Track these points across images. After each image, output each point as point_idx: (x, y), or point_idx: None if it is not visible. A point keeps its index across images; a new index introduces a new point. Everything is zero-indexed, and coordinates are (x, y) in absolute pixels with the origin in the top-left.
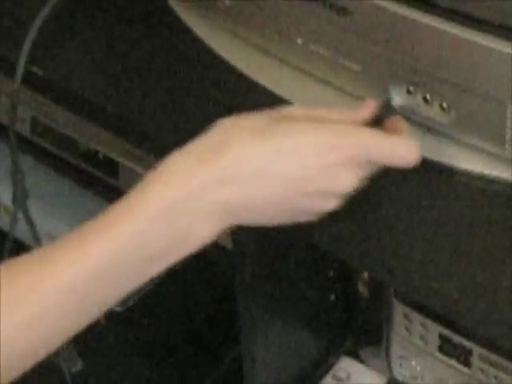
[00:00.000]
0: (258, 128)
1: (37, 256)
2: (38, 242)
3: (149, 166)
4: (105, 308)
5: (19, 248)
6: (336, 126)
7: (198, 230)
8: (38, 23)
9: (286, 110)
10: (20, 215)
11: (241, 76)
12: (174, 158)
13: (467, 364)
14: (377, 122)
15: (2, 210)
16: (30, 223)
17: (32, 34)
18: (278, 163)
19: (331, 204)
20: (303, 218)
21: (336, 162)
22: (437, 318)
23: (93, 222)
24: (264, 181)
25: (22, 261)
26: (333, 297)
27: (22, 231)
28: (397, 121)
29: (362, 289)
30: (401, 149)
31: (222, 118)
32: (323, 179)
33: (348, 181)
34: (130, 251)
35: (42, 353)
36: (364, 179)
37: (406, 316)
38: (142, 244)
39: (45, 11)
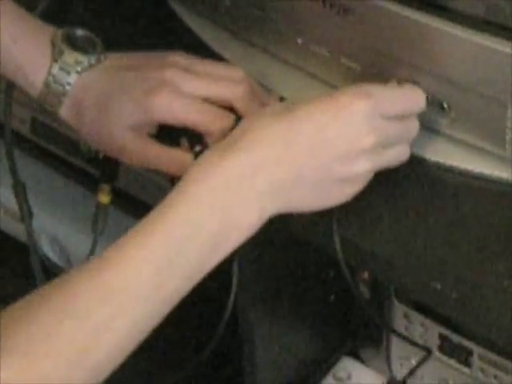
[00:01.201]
0: (275, 110)
1: (97, 259)
2: (36, 242)
3: None
4: (176, 299)
5: (19, 248)
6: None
7: (244, 216)
8: None
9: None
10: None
11: None
12: (208, 152)
13: (467, 364)
14: None
15: (3, 211)
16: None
17: None
18: (297, 132)
19: (363, 165)
20: (342, 191)
21: (348, 117)
22: (437, 318)
23: (143, 221)
24: (290, 150)
25: (83, 268)
26: (333, 297)
27: (21, 231)
28: None
29: (362, 289)
30: (404, 90)
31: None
32: (344, 139)
33: (366, 136)
34: (186, 237)
35: (125, 350)
36: (383, 135)
37: (406, 316)
38: (195, 229)
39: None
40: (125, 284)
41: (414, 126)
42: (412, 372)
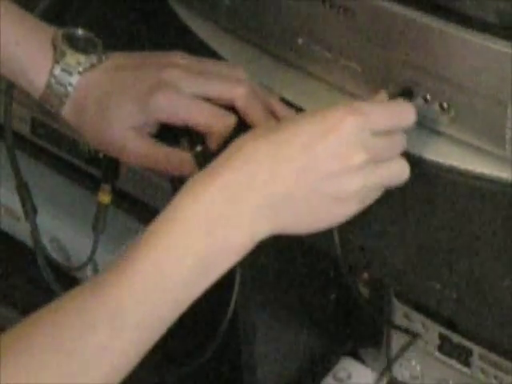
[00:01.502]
0: (266, 129)
1: (91, 283)
2: (37, 241)
3: None
4: (168, 322)
5: (18, 248)
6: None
7: (234, 237)
8: None
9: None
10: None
11: None
12: (200, 173)
13: (467, 364)
14: None
15: (3, 211)
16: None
17: None
18: (286, 150)
19: (354, 182)
20: (337, 211)
21: (338, 134)
22: (437, 318)
23: (132, 246)
24: (278, 168)
25: (71, 296)
26: (333, 297)
27: (21, 231)
28: None
29: (362, 289)
30: (395, 106)
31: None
32: (334, 156)
33: (357, 152)
34: (173, 262)
35: (119, 375)
36: (373, 151)
37: (406, 316)
38: (182, 253)
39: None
40: (108, 314)
41: (401, 139)
42: (398, 356)
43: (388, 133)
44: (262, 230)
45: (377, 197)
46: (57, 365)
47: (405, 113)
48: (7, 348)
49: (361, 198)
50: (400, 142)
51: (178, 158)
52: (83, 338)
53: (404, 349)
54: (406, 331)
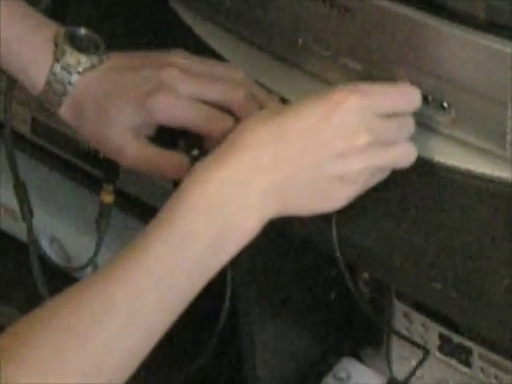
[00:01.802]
0: (268, 113)
1: (105, 270)
2: (36, 241)
3: None
4: (181, 305)
5: (19, 248)
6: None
7: (241, 222)
8: None
9: None
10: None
11: None
12: (204, 159)
13: (467, 364)
14: None
15: (3, 211)
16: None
17: None
18: (287, 132)
19: (358, 163)
20: (340, 192)
21: (341, 115)
22: (437, 318)
23: (142, 232)
24: (281, 151)
25: (85, 282)
26: (333, 296)
27: (21, 231)
28: None
29: (362, 289)
30: (399, 88)
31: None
32: (337, 137)
33: (360, 133)
34: (184, 246)
35: (137, 359)
36: (377, 132)
37: (406, 316)
38: (193, 238)
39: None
40: (127, 296)
41: (408, 123)
42: (412, 373)
43: (394, 115)
44: (268, 213)
45: (382, 178)
46: (65, 362)
47: (408, 95)
48: (18, 341)
49: (364, 180)
50: (407, 126)
51: (174, 160)
52: (101, 324)
53: (417, 366)
54: (409, 341)
